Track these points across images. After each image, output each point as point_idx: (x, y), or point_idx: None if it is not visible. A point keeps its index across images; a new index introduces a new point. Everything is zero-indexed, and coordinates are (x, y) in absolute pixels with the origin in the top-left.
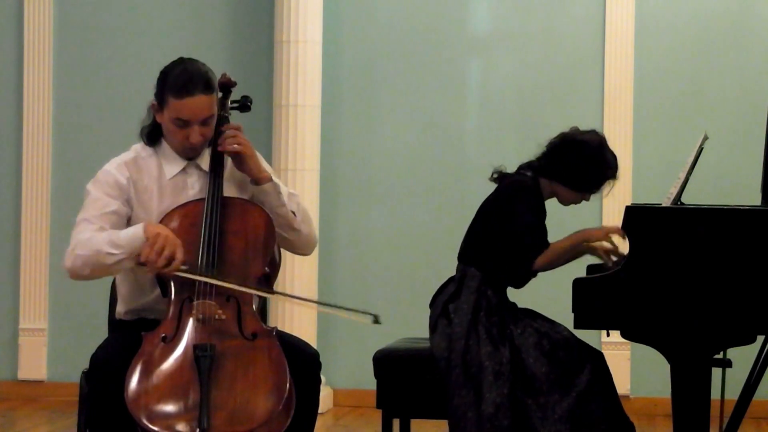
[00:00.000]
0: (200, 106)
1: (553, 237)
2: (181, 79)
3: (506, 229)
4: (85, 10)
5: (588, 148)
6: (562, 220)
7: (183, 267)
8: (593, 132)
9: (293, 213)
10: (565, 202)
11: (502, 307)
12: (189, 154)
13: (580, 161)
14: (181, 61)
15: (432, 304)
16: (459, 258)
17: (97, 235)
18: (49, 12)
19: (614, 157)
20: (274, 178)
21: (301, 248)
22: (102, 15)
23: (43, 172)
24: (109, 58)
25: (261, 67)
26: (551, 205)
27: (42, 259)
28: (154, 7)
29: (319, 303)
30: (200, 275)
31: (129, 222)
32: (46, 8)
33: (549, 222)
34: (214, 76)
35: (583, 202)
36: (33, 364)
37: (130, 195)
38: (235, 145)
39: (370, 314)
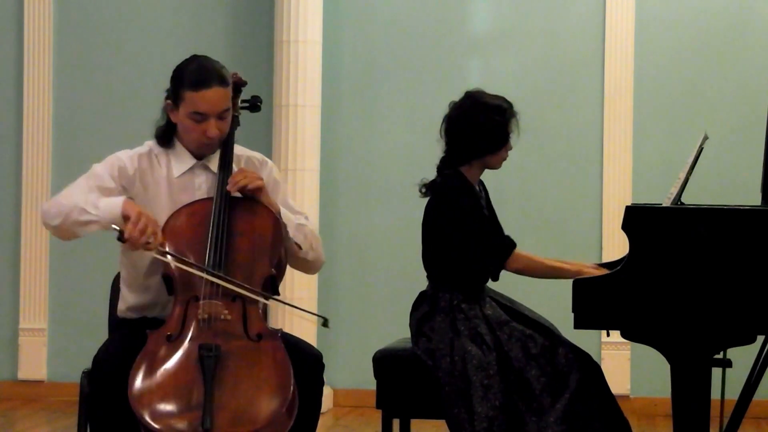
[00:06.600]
0: (217, 98)
1: (552, 235)
2: (197, 73)
3: (460, 243)
4: (85, 10)
5: (468, 110)
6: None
7: (161, 249)
8: (465, 95)
9: (299, 245)
10: (495, 166)
11: (481, 313)
12: (205, 151)
13: (471, 127)
14: (194, 58)
15: (410, 319)
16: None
17: (83, 194)
18: (49, 12)
19: (497, 97)
20: (282, 212)
21: (306, 271)
22: (102, 15)
23: (43, 172)
24: (109, 58)
25: (261, 67)
26: (551, 205)
27: (42, 259)
28: (154, 7)
29: (275, 299)
30: (188, 265)
31: None
32: (46, 8)
33: (549, 222)
34: (227, 71)
35: (582, 203)
36: (33, 364)
37: (133, 185)
38: (257, 182)
39: (321, 317)
